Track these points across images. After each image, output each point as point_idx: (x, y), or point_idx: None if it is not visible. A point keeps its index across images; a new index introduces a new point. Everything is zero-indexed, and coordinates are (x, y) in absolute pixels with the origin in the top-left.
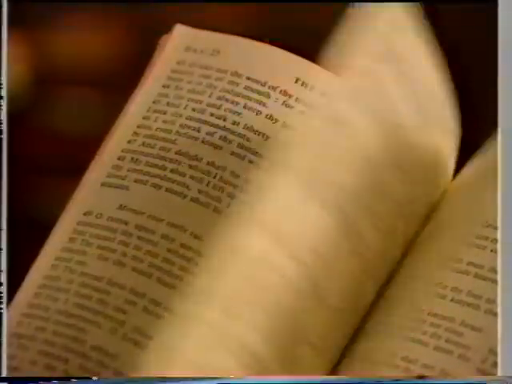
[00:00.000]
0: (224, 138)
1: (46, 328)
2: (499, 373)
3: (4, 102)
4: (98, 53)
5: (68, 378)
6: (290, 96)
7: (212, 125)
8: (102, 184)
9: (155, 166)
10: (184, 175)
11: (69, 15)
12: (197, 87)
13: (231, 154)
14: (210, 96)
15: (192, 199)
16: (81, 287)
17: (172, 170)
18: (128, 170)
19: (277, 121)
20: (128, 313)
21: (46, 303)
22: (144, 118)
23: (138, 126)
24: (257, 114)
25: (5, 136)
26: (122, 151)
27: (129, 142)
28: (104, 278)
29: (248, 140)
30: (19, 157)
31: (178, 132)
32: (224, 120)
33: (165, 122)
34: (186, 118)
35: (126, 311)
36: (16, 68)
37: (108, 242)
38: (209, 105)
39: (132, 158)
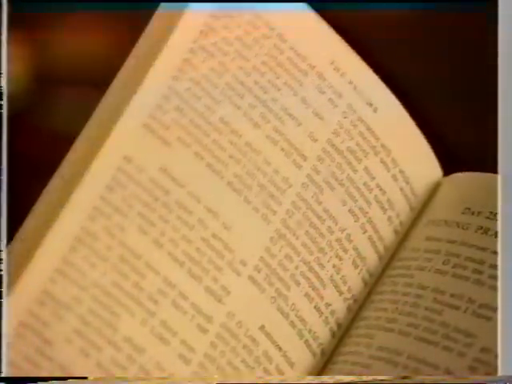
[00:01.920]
0: (263, 116)
1: (83, 301)
2: (499, 373)
3: (4, 102)
4: (98, 53)
5: (66, 378)
6: (324, 80)
7: (255, 96)
8: (144, 125)
9: (199, 127)
10: (224, 150)
11: (69, 15)
12: (245, 37)
13: (266, 137)
14: (256, 56)
15: (228, 183)
16: (120, 261)
17: (214, 141)
18: (172, 120)
19: (309, 107)
20: (159, 304)
21: (83, 266)
22: (190, 51)
23: (184, 60)
24: (294, 95)
25: (5, 136)
26: (169, 88)
27: (174, 78)
28: (142, 257)
29: (283, 123)
30: (19, 157)
31: (223, 91)
32: (265, 93)
33: (212, 70)
34: (233, 77)
35: (157, 302)
36: (16, 68)
37: (150, 211)
38: (254, 68)
39: (178, 107)
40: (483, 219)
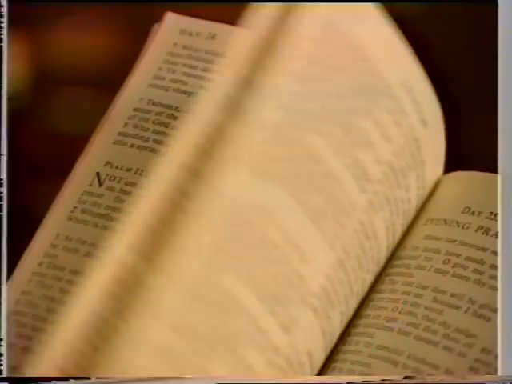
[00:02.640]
0: (342, 142)
1: (175, 345)
2: (499, 373)
3: (4, 102)
4: (97, 53)
5: (67, 378)
6: (395, 100)
7: (336, 121)
8: (236, 159)
9: (284, 158)
10: (306, 180)
11: (69, 15)
12: (332, 59)
13: (344, 164)
14: (339, 78)
15: (307, 213)
16: (209, 301)
17: (297, 170)
18: (261, 151)
19: (380, 129)
20: (242, 343)
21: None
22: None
23: (276, 86)
24: (370, 118)
25: (5, 136)
26: (258, 118)
27: (271, 108)
28: (229, 295)
29: (359, 149)
30: (19, 157)
31: (307, 118)
32: (345, 117)
33: (298, 95)
34: (317, 102)
35: (241, 341)
36: (16, 68)
37: (239, 248)
38: (338, 93)
39: (266, 137)
40: (483, 219)
